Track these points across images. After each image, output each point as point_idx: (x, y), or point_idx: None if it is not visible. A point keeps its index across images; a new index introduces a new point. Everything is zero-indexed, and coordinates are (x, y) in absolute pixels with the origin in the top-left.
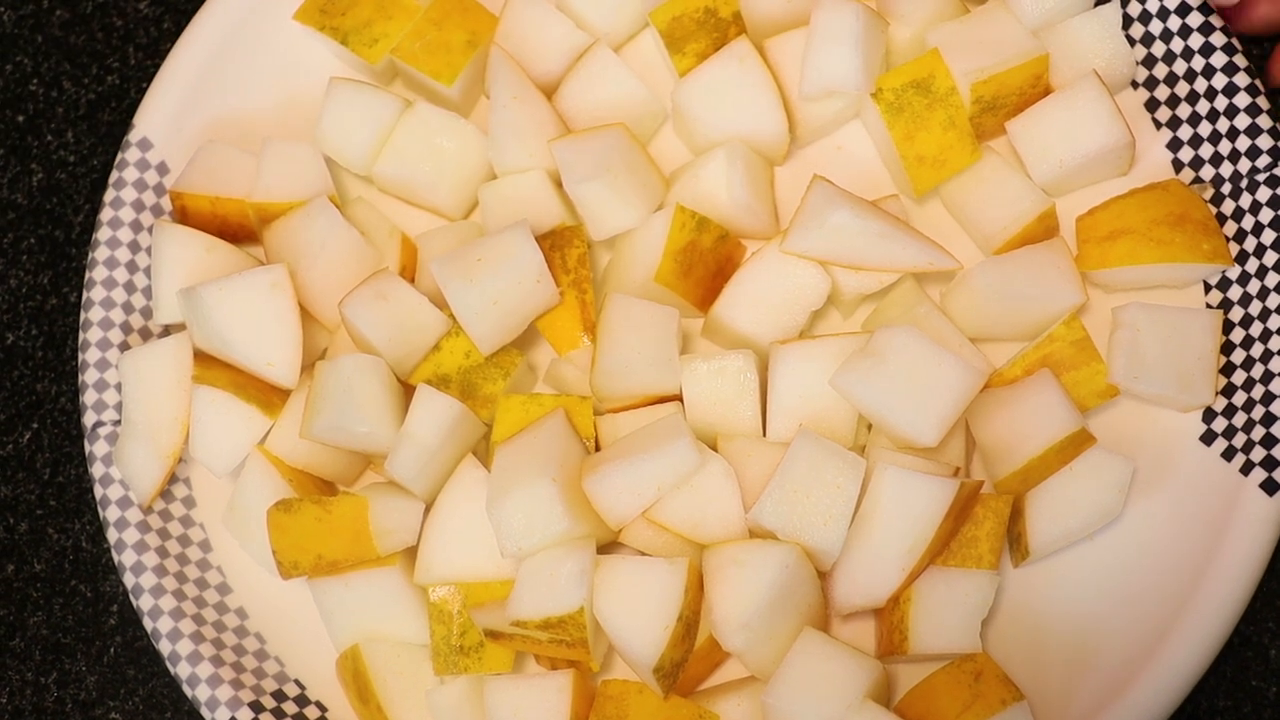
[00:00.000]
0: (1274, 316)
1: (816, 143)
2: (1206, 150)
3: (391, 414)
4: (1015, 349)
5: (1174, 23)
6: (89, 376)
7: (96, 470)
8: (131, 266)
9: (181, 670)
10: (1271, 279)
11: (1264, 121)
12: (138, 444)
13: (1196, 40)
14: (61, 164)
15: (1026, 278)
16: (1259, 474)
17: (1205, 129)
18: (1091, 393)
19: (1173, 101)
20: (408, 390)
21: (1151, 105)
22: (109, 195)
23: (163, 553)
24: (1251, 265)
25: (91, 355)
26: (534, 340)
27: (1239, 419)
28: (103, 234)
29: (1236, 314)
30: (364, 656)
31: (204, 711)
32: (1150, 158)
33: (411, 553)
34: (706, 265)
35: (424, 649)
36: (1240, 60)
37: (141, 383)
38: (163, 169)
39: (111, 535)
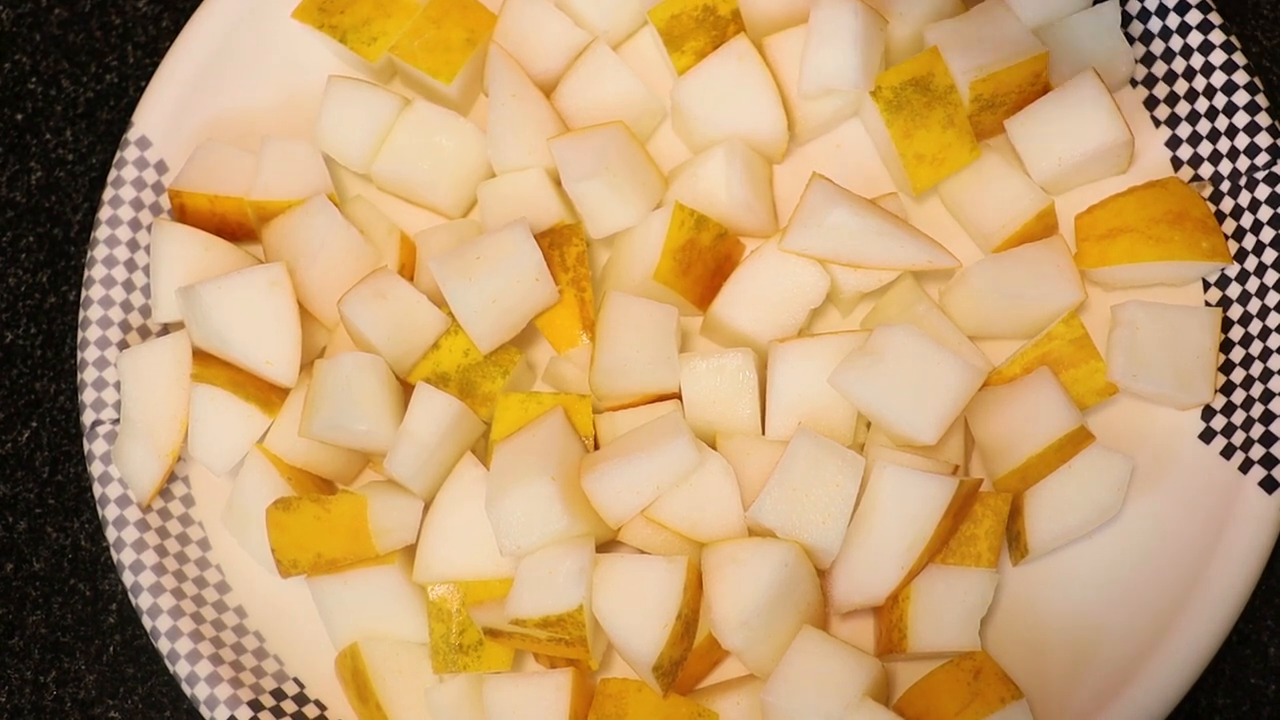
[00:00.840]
0: (1273, 314)
1: (815, 141)
2: (1205, 148)
3: (390, 412)
4: (1014, 347)
5: (1173, 20)
6: (88, 375)
7: (95, 469)
8: (130, 265)
9: (180, 669)
10: (1270, 276)
11: (1263, 119)
12: (137, 442)
13: (1195, 38)
14: (60, 162)
15: (1025, 276)
16: (1258, 472)
17: (1204, 127)
18: (1090, 391)
19: (1171, 99)
20: (406, 388)
21: (1150, 103)
22: (108, 194)
23: (161, 551)
24: (1250, 263)
25: (90, 354)
26: (533, 338)
27: (1238, 417)
28: (101, 232)
29: (1235, 312)
30: (363, 655)
31: (203, 710)
32: (1149, 155)
33: (410, 551)
34: (705, 263)
35: (423, 647)
36: (1239, 58)
37: (140, 381)
38: (161, 167)
39: (110, 534)
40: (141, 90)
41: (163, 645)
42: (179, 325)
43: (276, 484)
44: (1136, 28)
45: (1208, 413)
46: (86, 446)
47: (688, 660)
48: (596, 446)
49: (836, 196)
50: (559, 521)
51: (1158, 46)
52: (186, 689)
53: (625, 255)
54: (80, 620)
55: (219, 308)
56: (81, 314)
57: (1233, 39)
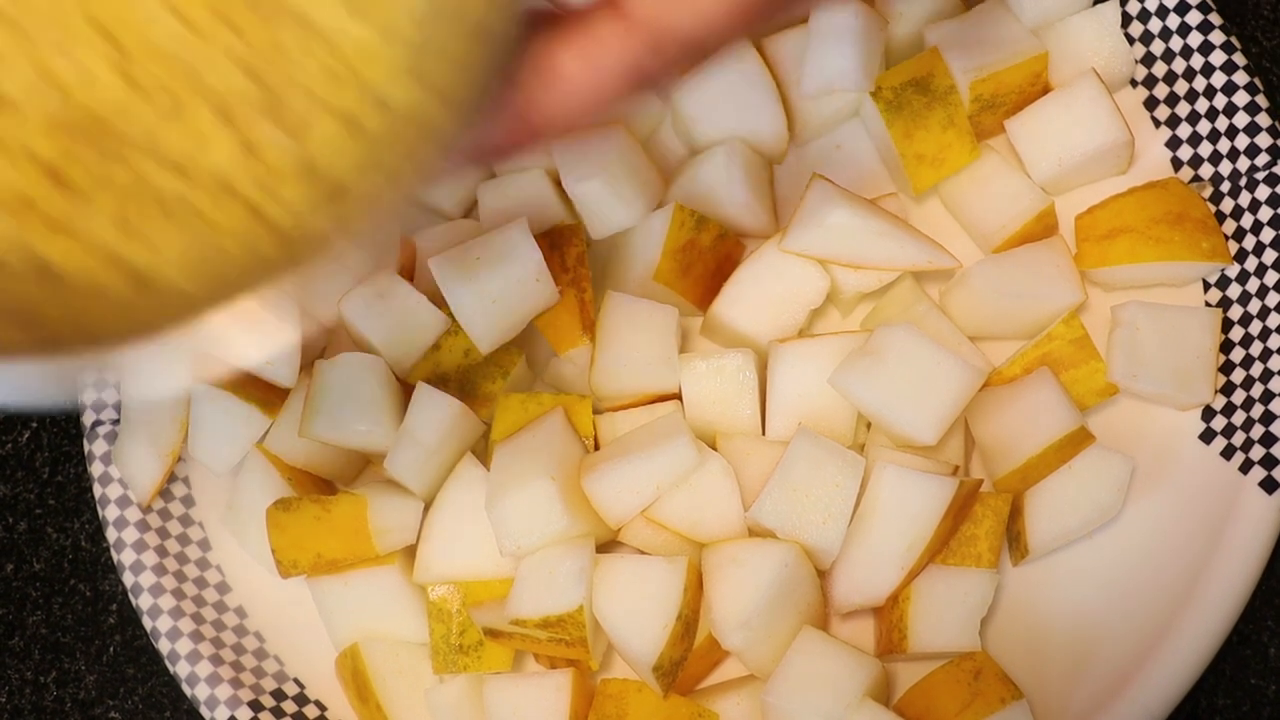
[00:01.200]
0: (1273, 314)
1: (815, 141)
2: (1205, 148)
3: (390, 413)
4: (1014, 347)
5: (1173, 21)
6: (88, 375)
7: (95, 469)
8: None
9: (181, 669)
10: (1270, 277)
11: (1263, 120)
12: (137, 443)
13: (1195, 39)
14: None
15: (1025, 276)
16: (1258, 472)
17: (1204, 127)
18: (1090, 391)
19: (1172, 100)
20: (406, 389)
21: (1150, 103)
22: None
23: (162, 552)
24: (1250, 263)
25: None
26: (533, 339)
27: (1238, 417)
28: None
29: (1235, 312)
30: (363, 655)
31: (203, 710)
32: (1149, 156)
33: (411, 551)
34: (705, 264)
35: (423, 648)
36: (1239, 59)
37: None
38: None
39: (110, 534)
40: None
41: (163, 646)
42: None
43: (276, 484)
44: (1136, 28)
45: (1208, 413)
46: (86, 446)
47: (688, 660)
48: (596, 446)
49: (836, 197)
50: (559, 521)
51: (1158, 47)
52: (187, 689)
53: (625, 255)
54: (80, 620)
55: None
56: None
57: (1233, 39)
